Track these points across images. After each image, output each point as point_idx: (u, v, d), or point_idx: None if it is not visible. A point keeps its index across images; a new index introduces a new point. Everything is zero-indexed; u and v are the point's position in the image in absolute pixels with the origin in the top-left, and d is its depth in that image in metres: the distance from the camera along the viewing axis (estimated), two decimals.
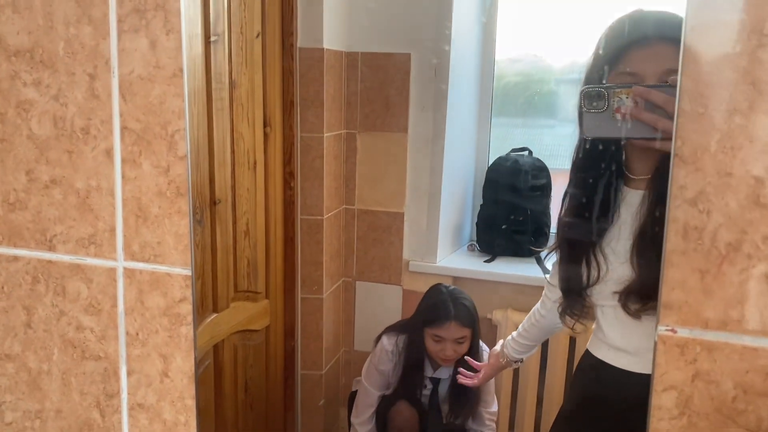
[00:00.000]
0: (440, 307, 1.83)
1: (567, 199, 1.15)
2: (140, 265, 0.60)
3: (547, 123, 2.56)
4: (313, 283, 2.24)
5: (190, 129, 0.56)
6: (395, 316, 2.19)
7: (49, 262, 0.64)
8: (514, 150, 2.47)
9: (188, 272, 0.59)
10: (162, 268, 0.60)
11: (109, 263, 0.62)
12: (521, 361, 1.52)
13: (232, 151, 1.84)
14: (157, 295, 0.60)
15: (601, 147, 1.05)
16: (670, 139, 0.82)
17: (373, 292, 2.40)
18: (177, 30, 0.55)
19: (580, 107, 0.88)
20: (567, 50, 2.19)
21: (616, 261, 1.06)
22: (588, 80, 1.04)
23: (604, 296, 1.10)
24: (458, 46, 2.19)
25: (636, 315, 1.04)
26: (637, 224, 1.04)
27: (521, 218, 2.12)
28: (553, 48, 2.41)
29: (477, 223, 2.19)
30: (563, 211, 1.15)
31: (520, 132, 2.65)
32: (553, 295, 1.28)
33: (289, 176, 2.13)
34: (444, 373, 1.84)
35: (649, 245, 1.01)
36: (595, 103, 0.87)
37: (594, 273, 1.07)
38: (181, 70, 0.55)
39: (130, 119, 0.58)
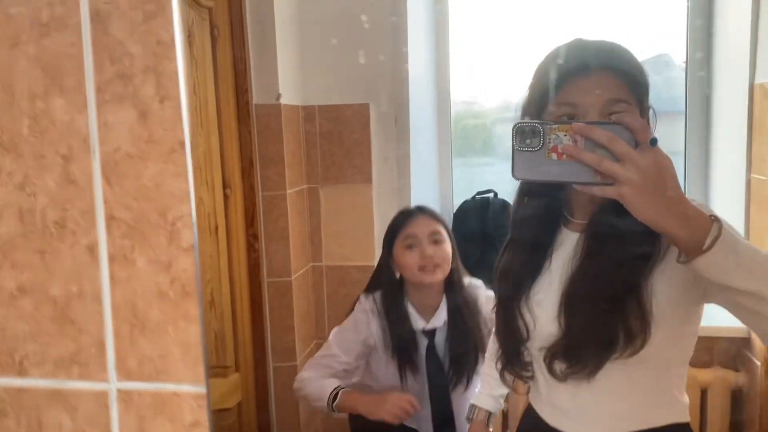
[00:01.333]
0: (403, 212, 1.72)
1: (505, 245, 1.05)
2: (139, 385, 0.49)
3: (510, 163, 2.52)
4: (284, 350, 2.10)
5: (196, 214, 0.46)
6: None
7: (20, 390, 0.51)
8: (479, 193, 2.43)
9: (201, 389, 0.47)
10: (168, 387, 0.48)
11: (99, 386, 0.49)
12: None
13: None
14: (163, 420, 0.48)
15: (542, 186, 0.97)
16: (612, 183, 0.74)
17: None
18: (174, 96, 0.45)
19: (513, 144, 0.78)
20: (523, 86, 2.16)
21: (542, 315, 0.96)
22: (525, 114, 0.96)
23: (534, 354, 1.02)
24: (416, 91, 2.15)
25: (560, 377, 0.94)
26: (567, 274, 0.94)
27: (491, 261, 2.05)
28: (509, 85, 2.40)
29: None
30: (498, 260, 1.05)
31: (482, 172, 2.61)
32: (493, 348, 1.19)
33: (252, 238, 2.01)
34: (438, 321, 1.63)
35: (576, 300, 0.92)
36: (528, 141, 0.77)
37: (525, 328, 0.98)
38: (182, 144, 0.45)
39: (118, 207, 0.47)
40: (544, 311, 0.95)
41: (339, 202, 2.15)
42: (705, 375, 1.93)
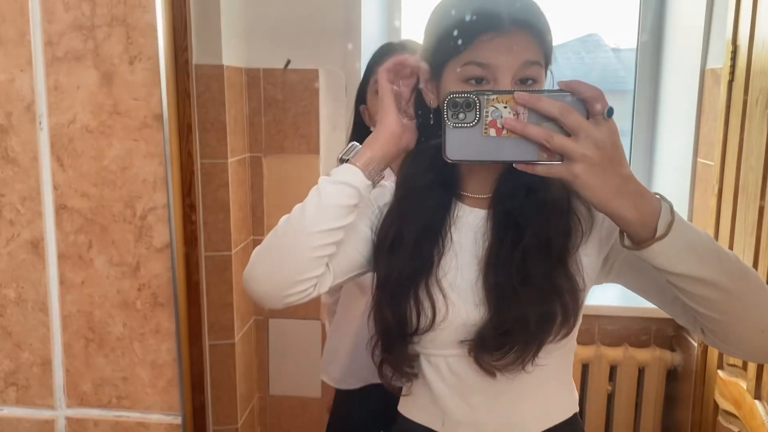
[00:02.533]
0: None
1: (388, 221, 0.87)
2: (95, 413, 0.39)
3: None
4: (222, 328, 2.01)
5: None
6: (315, 353, 2.01)
7: None
8: None
9: (175, 419, 0.39)
10: (132, 416, 0.39)
11: (43, 413, 0.40)
12: None
13: None
14: None
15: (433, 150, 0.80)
16: (560, 161, 0.65)
17: (289, 330, 2.22)
18: (149, 55, 0.35)
19: (443, 119, 0.69)
20: None
21: (460, 301, 0.83)
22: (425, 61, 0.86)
23: (441, 346, 0.86)
24: (368, 57, 2.05)
25: (490, 371, 0.83)
26: (481, 252, 0.84)
27: None
28: None
29: None
30: (383, 233, 0.87)
31: None
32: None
33: (189, 209, 1.87)
34: None
35: (501, 279, 0.81)
36: (462, 115, 0.68)
37: (426, 316, 0.83)
38: (159, 118, 0.36)
39: (72, 194, 0.37)
40: (461, 297, 0.83)
41: (284, 172, 2.04)
42: (643, 354, 1.97)
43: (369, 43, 2.00)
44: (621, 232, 0.73)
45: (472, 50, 0.76)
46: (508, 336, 0.81)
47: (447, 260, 0.84)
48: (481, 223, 0.85)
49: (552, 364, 0.87)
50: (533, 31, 0.78)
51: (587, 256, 0.84)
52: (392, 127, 0.79)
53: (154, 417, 0.39)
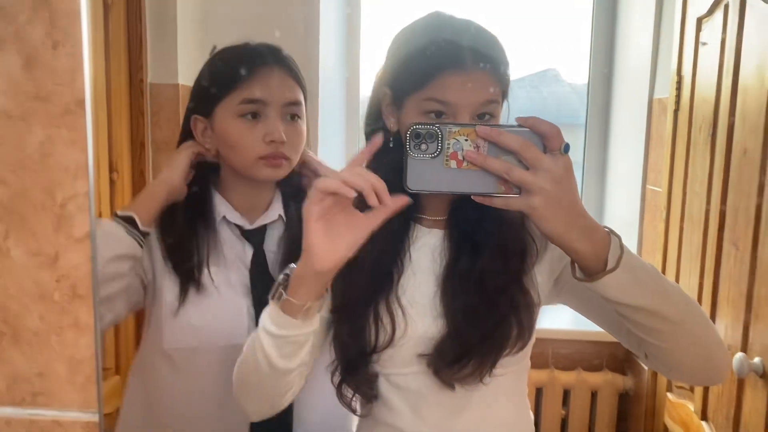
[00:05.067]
0: (239, 56, 1.10)
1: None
2: (8, 411, 0.37)
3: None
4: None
5: (94, 194, 0.36)
6: None
7: None
8: None
9: (92, 417, 0.37)
10: (47, 414, 0.37)
11: None
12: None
13: None
14: None
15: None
16: (518, 194, 0.67)
17: None
18: (73, 41, 0.35)
19: (406, 150, 0.69)
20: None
21: (418, 316, 0.85)
22: (371, 110, 0.88)
23: (400, 363, 0.86)
24: (325, 86, 2.07)
25: (449, 383, 0.84)
26: (439, 270, 0.86)
27: None
28: None
29: None
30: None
31: None
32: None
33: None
34: (265, 219, 1.10)
35: (461, 295, 0.84)
36: (424, 146, 0.69)
37: (385, 332, 0.84)
38: (81, 104, 0.35)
39: None
40: (419, 312, 0.85)
41: None
42: (595, 378, 1.99)
43: (327, 67, 2.02)
44: (573, 264, 0.75)
45: (434, 87, 0.78)
46: (466, 348, 0.82)
47: (406, 278, 0.86)
48: (439, 243, 0.87)
49: (507, 381, 0.88)
50: (494, 69, 0.80)
51: (541, 275, 0.87)
52: (331, 265, 0.73)
53: (71, 415, 0.37)
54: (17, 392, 0.38)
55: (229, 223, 1.09)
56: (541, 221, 0.69)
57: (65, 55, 0.35)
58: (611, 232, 0.73)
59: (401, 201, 0.71)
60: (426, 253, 0.87)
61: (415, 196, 0.82)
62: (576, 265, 0.74)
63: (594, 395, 1.99)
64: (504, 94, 0.84)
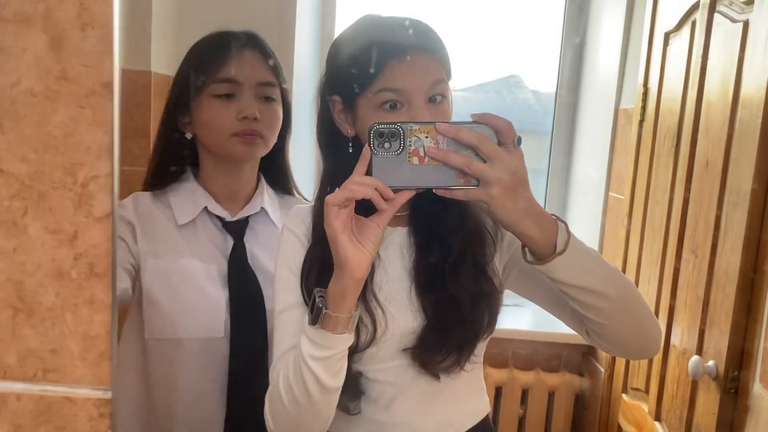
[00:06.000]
0: (215, 41, 1.11)
1: (314, 241, 0.88)
2: (18, 387, 0.38)
3: None
4: None
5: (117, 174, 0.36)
6: None
7: None
8: None
9: (104, 394, 0.38)
10: (58, 390, 0.38)
11: None
12: None
13: None
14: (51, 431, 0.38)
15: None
16: (477, 185, 0.73)
17: None
18: (102, 23, 0.35)
19: (371, 149, 0.73)
20: None
21: (398, 313, 0.87)
22: (321, 123, 0.90)
23: (381, 359, 0.88)
24: (299, 76, 2.07)
25: (434, 373, 0.88)
26: (410, 266, 0.90)
27: None
28: None
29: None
30: (310, 256, 0.88)
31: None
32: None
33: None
34: (248, 211, 1.12)
35: (433, 285, 0.88)
36: (387, 144, 0.73)
37: (367, 331, 0.85)
38: (108, 86, 0.35)
39: (10, 158, 0.36)
40: (398, 308, 0.88)
41: None
42: (552, 379, 2.04)
43: (302, 55, 2.02)
44: (523, 249, 0.81)
45: (383, 79, 0.82)
46: (446, 337, 0.87)
47: (378, 276, 0.88)
48: (404, 239, 0.91)
49: (477, 364, 0.94)
50: (434, 52, 0.85)
51: (499, 262, 0.93)
52: (365, 269, 0.77)
53: (82, 392, 0.38)
54: (29, 368, 0.38)
55: (210, 213, 1.09)
56: (498, 209, 0.74)
57: (94, 37, 0.36)
58: (558, 219, 0.79)
59: (405, 196, 0.75)
60: (394, 250, 0.91)
61: None
62: (527, 249, 0.80)
63: (551, 395, 2.04)
64: (448, 75, 0.88)
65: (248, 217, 1.12)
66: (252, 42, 1.11)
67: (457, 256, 0.88)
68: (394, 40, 0.83)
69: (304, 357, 0.78)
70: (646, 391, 1.60)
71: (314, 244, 0.88)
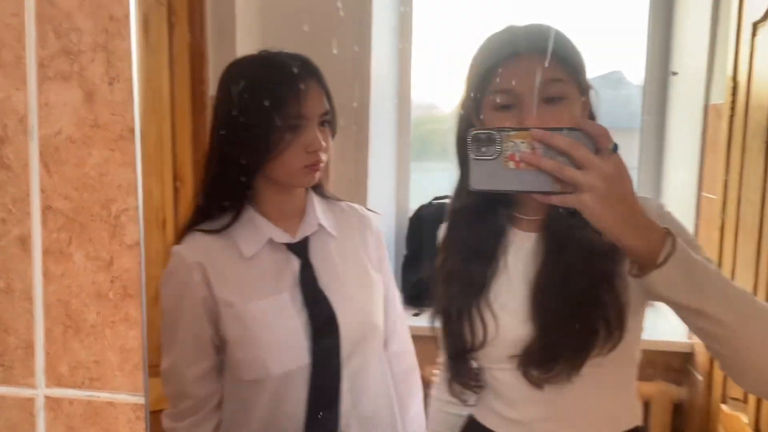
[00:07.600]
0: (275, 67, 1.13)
1: (443, 246, 0.95)
2: (70, 393, 0.44)
3: None
4: None
5: (143, 208, 0.42)
6: None
7: None
8: (436, 198, 2.41)
9: (139, 399, 0.43)
10: (102, 396, 0.44)
11: (25, 391, 0.45)
12: None
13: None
14: None
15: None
16: (572, 192, 0.70)
17: None
18: (125, 78, 0.41)
19: (468, 153, 0.74)
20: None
21: (509, 318, 0.89)
22: (464, 109, 0.90)
23: (495, 360, 0.92)
24: (376, 92, 2.12)
25: (538, 384, 0.88)
26: (532, 273, 0.89)
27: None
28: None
29: (402, 275, 2.07)
30: (439, 260, 0.95)
31: (440, 178, 2.60)
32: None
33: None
34: (307, 230, 1.12)
35: (549, 298, 0.87)
36: (484, 149, 0.74)
37: (479, 334, 0.89)
38: (132, 131, 0.41)
39: (56, 196, 0.43)
40: (510, 315, 0.89)
41: None
42: (648, 388, 1.96)
43: (377, 77, 2.07)
44: (630, 261, 0.77)
45: (497, 82, 0.84)
46: (554, 351, 0.86)
47: (499, 284, 0.91)
48: (532, 246, 0.91)
49: (607, 375, 0.89)
50: (553, 51, 0.84)
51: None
52: None
53: (121, 397, 0.44)
54: (78, 377, 0.44)
55: (273, 242, 1.12)
56: (593, 218, 0.72)
57: (119, 90, 0.42)
58: (669, 232, 0.74)
59: None
60: (521, 257, 0.91)
61: (513, 196, 0.90)
62: (632, 262, 0.76)
63: (647, 405, 1.96)
64: (577, 78, 0.86)
65: (307, 236, 1.13)
66: (310, 71, 1.13)
67: (578, 266, 0.87)
68: (509, 42, 0.86)
69: None
70: (745, 401, 1.52)
71: (448, 240, 0.96)
